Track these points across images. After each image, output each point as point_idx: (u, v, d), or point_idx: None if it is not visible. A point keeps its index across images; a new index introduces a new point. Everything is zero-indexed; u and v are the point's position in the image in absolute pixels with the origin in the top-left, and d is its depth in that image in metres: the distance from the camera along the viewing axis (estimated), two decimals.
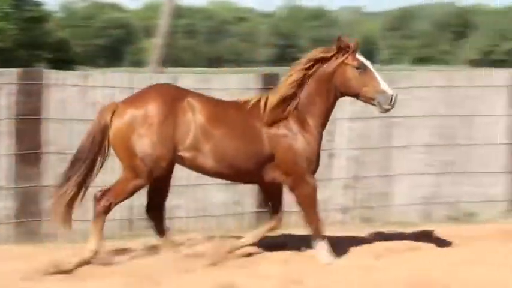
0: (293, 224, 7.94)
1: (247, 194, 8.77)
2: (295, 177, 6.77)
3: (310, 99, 6.80)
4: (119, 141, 6.65)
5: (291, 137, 6.73)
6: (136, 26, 72.46)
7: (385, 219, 9.13)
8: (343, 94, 6.89)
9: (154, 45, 20.02)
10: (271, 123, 6.72)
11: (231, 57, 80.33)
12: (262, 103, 6.79)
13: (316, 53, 6.86)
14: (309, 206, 6.86)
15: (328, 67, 6.76)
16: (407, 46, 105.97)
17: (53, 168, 8.06)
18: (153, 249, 7.15)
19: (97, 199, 6.69)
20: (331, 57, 6.78)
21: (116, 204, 6.76)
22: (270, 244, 7.34)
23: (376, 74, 6.74)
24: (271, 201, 7.17)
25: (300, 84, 6.77)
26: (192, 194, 8.66)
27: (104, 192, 6.70)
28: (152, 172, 6.64)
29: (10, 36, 34.38)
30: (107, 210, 6.70)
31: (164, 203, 7.12)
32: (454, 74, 9.81)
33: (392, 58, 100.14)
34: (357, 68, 6.72)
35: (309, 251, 7.10)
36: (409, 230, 8.40)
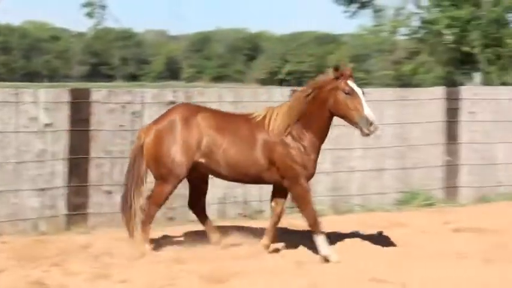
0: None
1: (59, 198, 8.60)
2: (291, 180, 7.04)
3: (309, 117, 7.05)
4: (149, 156, 7.10)
5: (289, 146, 7.02)
6: None
7: (186, 218, 9.21)
8: (334, 115, 7.09)
9: None
10: (276, 136, 7.05)
11: (47, 73, 77.66)
12: (268, 117, 7.16)
13: (317, 81, 7.20)
14: (303, 204, 7.12)
15: (324, 91, 6.98)
16: (206, 66, 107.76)
17: None
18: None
19: (142, 209, 7.13)
20: (328, 83, 7.01)
21: (157, 211, 7.29)
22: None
23: (363, 101, 6.88)
24: (275, 197, 7.37)
25: (301, 108, 7.08)
26: (6, 199, 8.32)
27: (146, 202, 7.16)
28: (178, 177, 7.11)
29: None
30: (152, 217, 7.22)
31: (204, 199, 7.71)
32: (242, 91, 10.08)
33: (194, 76, 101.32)
34: (347, 94, 6.88)
35: (117, 247, 7.09)
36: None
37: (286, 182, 7.12)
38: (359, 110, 6.85)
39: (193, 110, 7.32)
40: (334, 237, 7.69)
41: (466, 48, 20.08)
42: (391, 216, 9.32)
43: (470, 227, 8.53)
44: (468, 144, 10.69)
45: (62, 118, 8.68)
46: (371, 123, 6.79)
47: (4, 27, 70.35)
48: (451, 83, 20.42)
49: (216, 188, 9.36)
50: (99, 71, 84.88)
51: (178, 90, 9.62)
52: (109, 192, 8.81)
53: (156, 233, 7.76)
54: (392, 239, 7.81)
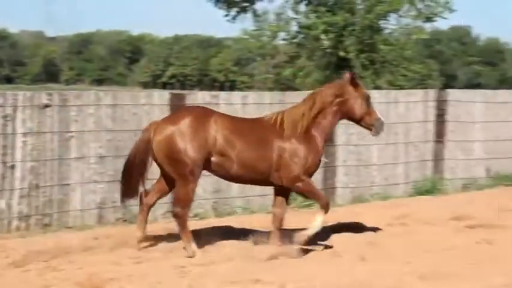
0: None
1: None
2: (294, 176, 7.38)
3: (322, 119, 7.53)
4: (163, 154, 7.25)
5: (296, 146, 7.41)
6: None
7: (63, 224, 9.00)
8: (347, 118, 7.76)
9: None
10: (288, 137, 7.42)
11: None
12: (278, 120, 7.50)
13: (336, 87, 7.64)
14: (309, 192, 7.58)
15: (345, 97, 7.55)
16: (87, 68, 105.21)
17: None
18: None
19: (173, 214, 7.39)
20: (348, 89, 7.54)
21: (188, 210, 7.52)
22: None
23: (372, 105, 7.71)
24: (277, 201, 7.69)
25: (320, 110, 7.52)
26: None
27: (175, 206, 7.36)
28: (197, 176, 7.34)
29: None
30: (186, 219, 7.36)
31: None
32: (121, 94, 9.90)
33: (74, 79, 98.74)
34: (363, 100, 7.56)
35: None
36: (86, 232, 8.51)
37: (289, 182, 7.43)
38: (375, 113, 7.67)
39: (207, 110, 7.63)
40: (215, 239, 7.74)
41: (342, 53, 20.78)
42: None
43: (347, 226, 8.79)
44: (345, 146, 11.06)
45: None
46: (382, 124, 7.69)
47: None
48: None
49: (94, 193, 9.20)
50: None
51: (54, 93, 9.34)
52: None
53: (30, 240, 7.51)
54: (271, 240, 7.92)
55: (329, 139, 8.05)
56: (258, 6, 22.69)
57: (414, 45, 22.49)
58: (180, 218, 7.36)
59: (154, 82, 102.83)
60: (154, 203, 7.74)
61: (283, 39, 22.69)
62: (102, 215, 9.36)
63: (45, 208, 8.92)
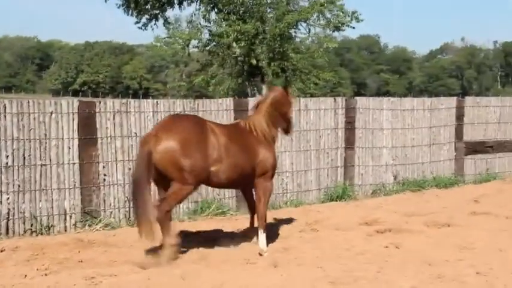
0: None
1: None
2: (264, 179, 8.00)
3: (274, 124, 8.25)
4: (168, 162, 7.24)
5: (267, 149, 8.04)
6: None
7: None
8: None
9: None
10: (261, 140, 8.02)
11: None
12: (249, 125, 8.06)
13: (280, 94, 8.34)
14: (266, 197, 8.05)
15: (285, 103, 8.34)
16: None
17: None
18: None
19: (156, 207, 7.27)
20: (285, 96, 8.34)
21: (171, 210, 7.50)
22: None
23: None
24: (249, 202, 8.25)
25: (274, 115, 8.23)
26: None
27: (161, 201, 7.35)
28: (200, 182, 7.60)
29: None
30: (168, 215, 7.37)
31: None
32: (26, 102, 9.51)
33: None
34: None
35: None
36: None
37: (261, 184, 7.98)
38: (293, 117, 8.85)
39: (201, 119, 7.93)
40: (125, 249, 7.59)
41: (254, 61, 20.97)
42: (186, 226, 9.38)
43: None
44: None
45: None
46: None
47: None
48: (242, 94, 21.21)
49: (0, 204, 8.89)
50: None
51: None
52: None
53: None
54: (187, 248, 7.88)
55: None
56: (170, 13, 22.64)
57: (325, 54, 22.93)
58: (163, 215, 7.30)
59: (65, 89, 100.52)
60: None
61: (195, 47, 22.68)
62: (10, 226, 9.06)
63: None
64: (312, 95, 20.79)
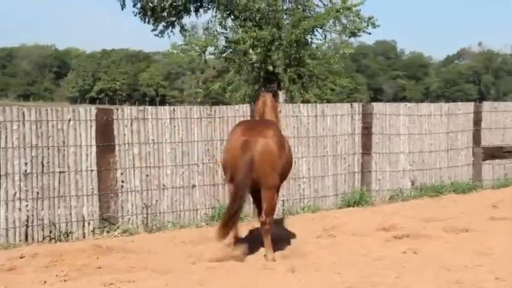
0: None
1: None
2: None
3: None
4: (269, 165, 7.57)
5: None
6: None
7: None
8: None
9: None
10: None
11: None
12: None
13: (268, 98, 8.68)
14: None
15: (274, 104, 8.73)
16: (11, 83, 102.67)
17: None
18: None
19: (262, 223, 7.76)
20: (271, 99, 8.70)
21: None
22: None
23: None
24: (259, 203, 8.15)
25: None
26: None
27: (265, 216, 7.71)
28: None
29: None
30: (271, 227, 7.83)
31: None
32: (44, 110, 9.57)
33: None
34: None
35: None
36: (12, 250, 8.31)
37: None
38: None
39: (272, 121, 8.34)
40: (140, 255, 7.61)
41: (270, 68, 20.99)
42: (204, 232, 9.40)
43: (277, 239, 8.81)
44: None
45: None
46: None
47: None
48: None
49: (19, 211, 8.97)
50: None
51: None
52: None
53: None
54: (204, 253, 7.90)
55: None
56: (186, 20, 22.78)
57: (341, 60, 22.92)
58: (269, 226, 7.76)
59: (82, 97, 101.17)
60: None
61: (212, 54, 22.75)
62: (29, 233, 9.13)
63: None
64: (328, 101, 20.75)
